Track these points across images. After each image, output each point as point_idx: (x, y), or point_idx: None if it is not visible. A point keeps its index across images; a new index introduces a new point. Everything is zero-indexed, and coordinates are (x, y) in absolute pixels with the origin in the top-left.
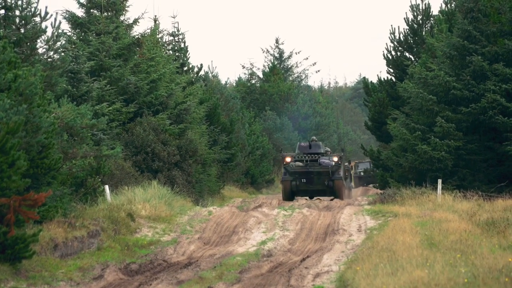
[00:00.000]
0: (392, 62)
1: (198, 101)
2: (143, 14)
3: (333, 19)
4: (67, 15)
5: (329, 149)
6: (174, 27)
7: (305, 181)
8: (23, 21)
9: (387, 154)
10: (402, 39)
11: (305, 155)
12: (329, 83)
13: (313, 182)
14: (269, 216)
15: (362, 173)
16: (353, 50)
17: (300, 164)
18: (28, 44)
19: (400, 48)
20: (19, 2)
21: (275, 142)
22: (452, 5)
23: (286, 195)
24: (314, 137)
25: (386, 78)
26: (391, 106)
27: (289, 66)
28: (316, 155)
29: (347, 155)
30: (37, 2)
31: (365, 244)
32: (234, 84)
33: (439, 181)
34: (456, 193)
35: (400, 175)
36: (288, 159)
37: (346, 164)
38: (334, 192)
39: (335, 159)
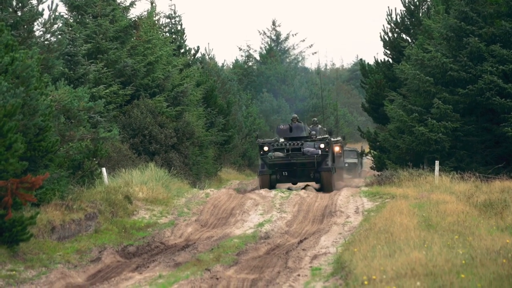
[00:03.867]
0: (389, 44)
1: (195, 84)
2: None
3: (330, 1)
4: None
5: (319, 127)
6: (170, 9)
7: (286, 174)
8: (20, 4)
9: (384, 135)
10: (399, 20)
11: (285, 142)
12: (326, 65)
13: (296, 175)
14: (266, 198)
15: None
16: (350, 31)
17: (280, 154)
18: (25, 27)
19: (397, 29)
20: None
21: (272, 124)
22: None
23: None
24: (295, 115)
25: (383, 60)
26: (388, 88)
27: (286, 48)
28: (298, 142)
29: (342, 133)
30: None
31: (362, 226)
32: (231, 67)
33: (437, 162)
34: (453, 175)
35: (397, 157)
36: (266, 148)
37: (339, 138)
38: (321, 185)
39: (322, 146)
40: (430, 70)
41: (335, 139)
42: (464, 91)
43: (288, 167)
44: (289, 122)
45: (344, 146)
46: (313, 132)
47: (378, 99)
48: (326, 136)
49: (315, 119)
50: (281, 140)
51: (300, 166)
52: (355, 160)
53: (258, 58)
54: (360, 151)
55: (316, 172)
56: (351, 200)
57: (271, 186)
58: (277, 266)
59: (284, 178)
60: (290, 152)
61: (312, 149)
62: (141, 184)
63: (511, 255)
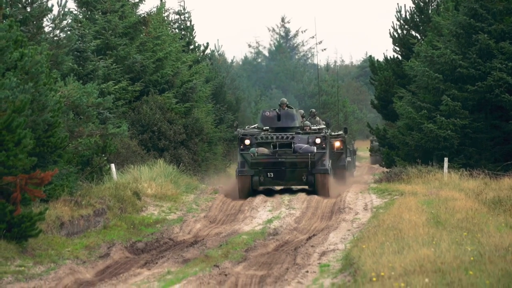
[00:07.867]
0: (398, 41)
1: (204, 80)
2: None
3: None
4: None
5: (317, 119)
6: (180, 5)
7: (272, 175)
8: (29, 0)
9: (393, 132)
10: (408, 17)
11: (272, 135)
12: (335, 62)
13: (284, 177)
14: (275, 194)
15: None
16: (359, 28)
17: (266, 150)
18: (34, 22)
19: (406, 26)
20: None
21: None
22: None
23: (244, 194)
24: (284, 99)
25: (392, 57)
26: (397, 85)
27: (295, 44)
28: (288, 134)
29: (350, 128)
30: None
31: (371, 223)
32: (240, 63)
33: (445, 159)
34: (462, 172)
35: (406, 154)
36: (247, 142)
37: (341, 132)
38: (315, 189)
39: (318, 141)
40: (439, 67)
41: (336, 133)
42: (473, 88)
43: (274, 167)
44: (277, 109)
45: (350, 142)
46: (307, 123)
47: (387, 96)
48: (323, 127)
49: (313, 110)
50: (265, 130)
51: (290, 166)
52: (349, 159)
53: (267, 54)
54: (352, 149)
55: (310, 174)
56: (359, 197)
57: (253, 190)
58: (285, 263)
59: (269, 181)
60: (277, 149)
61: (306, 145)
62: (150, 180)
63: None
